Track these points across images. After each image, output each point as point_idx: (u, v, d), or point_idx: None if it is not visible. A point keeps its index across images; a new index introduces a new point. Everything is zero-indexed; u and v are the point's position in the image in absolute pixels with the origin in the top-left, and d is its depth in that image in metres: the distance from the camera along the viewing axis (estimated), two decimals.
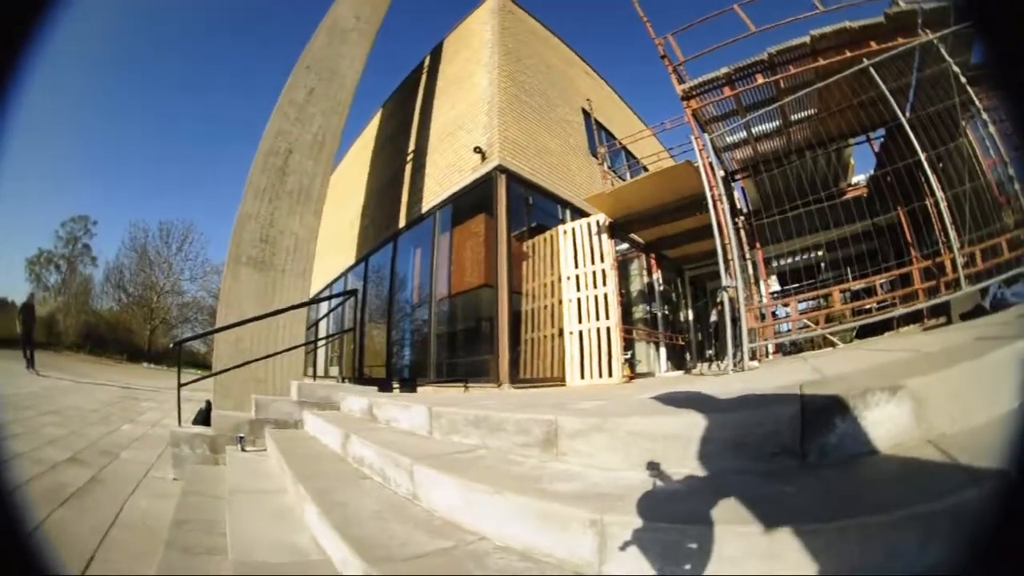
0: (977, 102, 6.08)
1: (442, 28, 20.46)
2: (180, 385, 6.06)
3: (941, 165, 6.85)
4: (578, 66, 14.46)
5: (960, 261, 5.33)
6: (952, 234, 5.60)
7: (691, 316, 13.79)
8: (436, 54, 13.80)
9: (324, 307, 13.20)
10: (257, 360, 6.92)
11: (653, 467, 2.26)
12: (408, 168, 12.52)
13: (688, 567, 1.59)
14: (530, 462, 2.73)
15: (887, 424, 2.13)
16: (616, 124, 14.72)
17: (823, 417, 2.14)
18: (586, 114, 13.24)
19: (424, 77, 13.87)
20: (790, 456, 2.14)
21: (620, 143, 13.67)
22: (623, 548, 1.70)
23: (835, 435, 2.13)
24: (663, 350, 11.35)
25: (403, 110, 14.33)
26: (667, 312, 12.23)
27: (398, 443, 3.42)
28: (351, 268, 14.69)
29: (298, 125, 9.17)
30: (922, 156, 6.01)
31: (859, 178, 10.88)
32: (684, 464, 2.23)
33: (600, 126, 13.54)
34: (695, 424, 2.28)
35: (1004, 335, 2.48)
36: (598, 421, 2.58)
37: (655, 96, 66.59)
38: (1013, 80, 0.81)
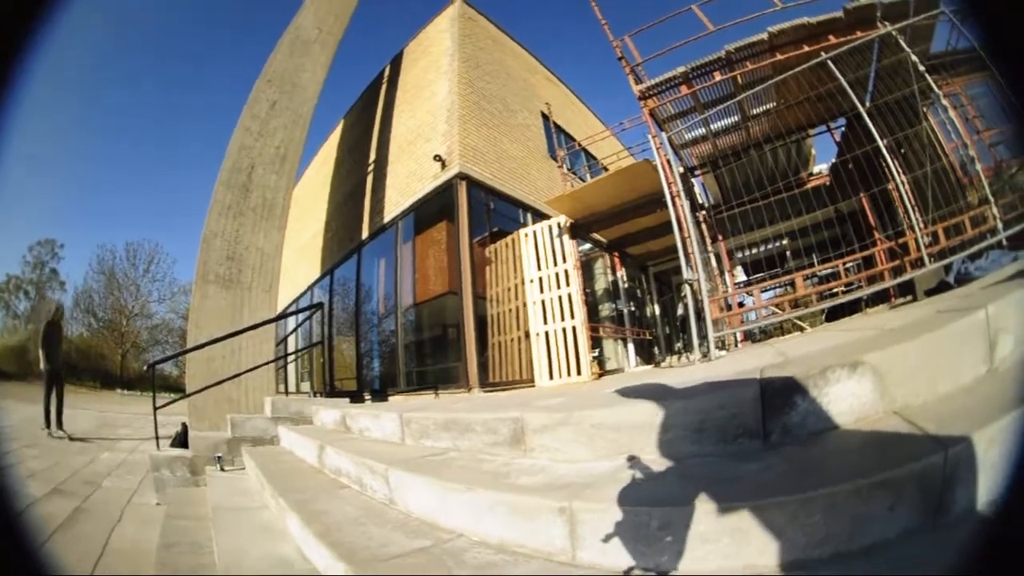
0: (936, 89, 6.39)
1: (402, 37, 20.62)
2: (156, 408, 6.07)
3: (903, 151, 7.22)
4: (538, 71, 14.63)
5: (924, 240, 5.55)
6: (914, 215, 5.87)
7: (657, 311, 14.07)
8: (396, 63, 13.83)
9: (292, 322, 13.17)
10: (227, 379, 6.92)
11: (618, 456, 2.40)
12: (369, 179, 12.53)
13: (657, 546, 1.71)
14: (500, 459, 2.87)
15: (849, 399, 2.23)
16: (575, 126, 14.94)
17: (783, 397, 2.26)
18: (545, 118, 13.41)
19: (384, 87, 13.89)
20: (752, 437, 2.26)
21: (579, 145, 13.88)
22: (593, 533, 1.83)
23: (797, 414, 2.24)
24: (631, 346, 11.56)
25: (363, 121, 14.33)
26: (633, 309, 12.44)
27: (372, 451, 3.53)
28: (317, 281, 14.62)
29: (261, 139, 9.17)
30: (881, 144, 6.17)
31: (821, 167, 11.19)
32: (648, 451, 2.37)
33: (559, 129, 13.75)
34: (657, 412, 2.42)
35: (965, 307, 2.64)
36: (563, 416, 2.71)
37: (616, 96, 67.29)
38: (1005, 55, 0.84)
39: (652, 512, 1.75)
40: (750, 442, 2.25)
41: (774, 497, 1.65)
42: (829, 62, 6.40)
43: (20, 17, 0.94)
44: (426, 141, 10.58)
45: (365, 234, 11.98)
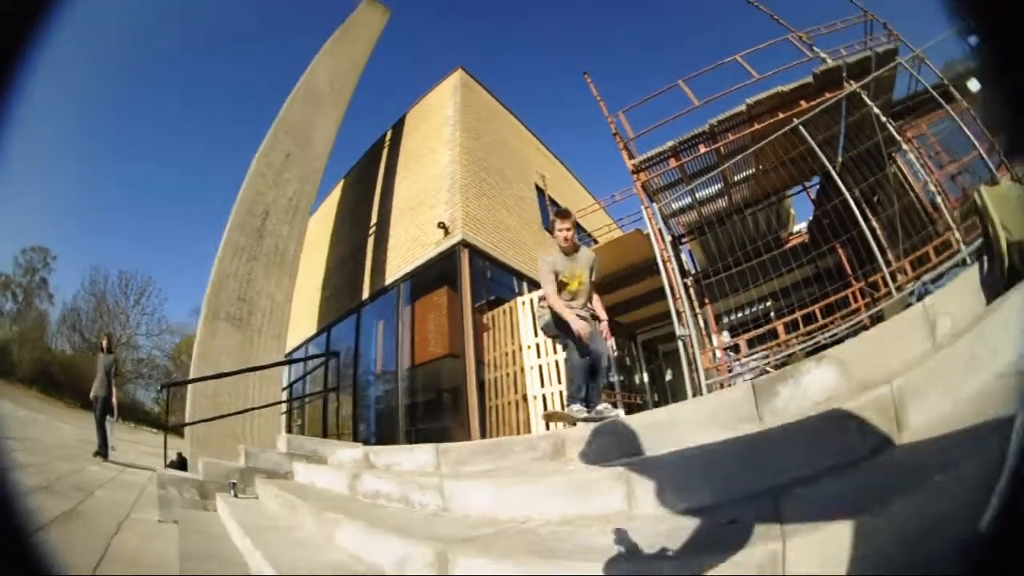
0: (898, 136, 7.26)
1: (404, 103, 21.63)
2: (167, 428, 6.21)
3: (876, 197, 8.14)
4: (532, 143, 15.49)
5: (892, 277, 6.50)
6: (887, 256, 6.92)
7: (646, 378, 14.41)
8: (398, 128, 14.55)
9: (295, 370, 13.20)
10: (237, 413, 7.11)
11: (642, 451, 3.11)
12: (371, 241, 12.94)
13: (694, 494, 2.30)
14: (547, 466, 3.32)
15: (819, 384, 2.88)
16: (567, 199, 15.44)
17: (769, 388, 2.99)
18: (539, 190, 14.06)
19: (386, 151, 14.55)
20: (750, 421, 2.94)
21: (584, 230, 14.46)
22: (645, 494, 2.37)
23: (781, 399, 2.94)
24: (621, 409, 11.80)
25: (364, 183, 14.86)
26: (622, 378, 12.75)
27: (412, 477, 3.76)
28: (312, 338, 14.71)
29: (275, 188, 9.60)
30: (848, 197, 7.04)
31: (800, 226, 11.92)
32: (667, 445, 2.98)
33: (553, 201, 14.34)
34: (672, 417, 3.21)
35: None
36: (591, 434, 3.30)
37: (603, 168, 69.41)
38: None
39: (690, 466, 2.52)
40: (747, 425, 2.91)
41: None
42: (800, 127, 7.25)
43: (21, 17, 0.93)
44: (429, 208, 11.08)
45: (365, 295, 12.28)
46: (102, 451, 8.11)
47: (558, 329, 4.42)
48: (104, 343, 9.43)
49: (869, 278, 7.42)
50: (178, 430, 8.17)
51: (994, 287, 3.27)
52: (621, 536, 1.96)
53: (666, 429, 3.14)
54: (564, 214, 4.39)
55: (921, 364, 2.53)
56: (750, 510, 1.95)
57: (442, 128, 12.23)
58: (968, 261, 4.64)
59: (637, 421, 3.40)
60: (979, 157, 6.54)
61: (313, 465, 5.50)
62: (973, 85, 7.06)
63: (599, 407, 4.53)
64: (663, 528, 2.05)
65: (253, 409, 7.29)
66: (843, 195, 7.05)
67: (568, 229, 4.35)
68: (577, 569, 1.80)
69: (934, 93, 6.86)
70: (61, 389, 32.70)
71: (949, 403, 2.25)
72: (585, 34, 71.48)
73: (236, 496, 5.30)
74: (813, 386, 2.89)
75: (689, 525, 1.99)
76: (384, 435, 10.91)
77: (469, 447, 3.96)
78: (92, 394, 8.86)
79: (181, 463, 6.75)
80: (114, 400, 8.74)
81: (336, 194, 16.92)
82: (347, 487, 4.32)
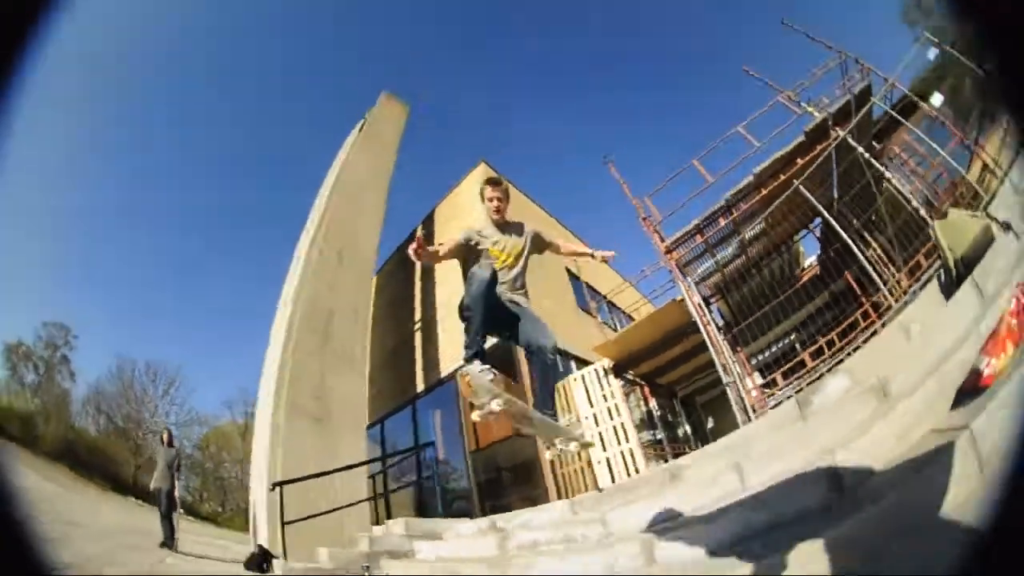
0: (880, 166, 8.82)
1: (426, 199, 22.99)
2: (284, 523, 6.70)
3: (873, 218, 9.47)
4: (557, 229, 16.39)
5: (890, 295, 8.19)
6: (880, 281, 8.50)
7: (689, 430, 14.90)
8: (428, 223, 15.59)
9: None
10: (341, 508, 7.56)
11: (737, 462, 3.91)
12: (418, 336, 13.61)
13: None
14: (668, 489, 4.21)
15: (836, 388, 4.26)
16: (599, 279, 16.25)
17: (806, 398, 4.32)
18: (571, 274, 14.82)
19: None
20: (797, 421, 4.20)
21: (606, 298, 15.39)
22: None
23: (815, 403, 4.23)
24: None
25: (399, 278, 15.65)
26: (667, 434, 13.27)
27: (562, 525, 4.36)
28: (368, 427, 15.09)
29: (333, 291, 10.33)
30: (846, 237, 8.79)
31: (810, 260, 12.79)
32: (751, 452, 4.13)
33: (588, 285, 15.10)
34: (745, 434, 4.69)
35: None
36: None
37: (620, 244, 70.34)
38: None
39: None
40: (795, 423, 4.17)
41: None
42: (800, 188, 8.67)
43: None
44: None
45: (420, 387, 12.86)
46: (169, 542, 8.48)
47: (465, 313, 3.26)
48: (165, 437, 10.01)
49: (872, 297, 8.96)
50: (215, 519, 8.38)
51: (950, 291, 4.60)
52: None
53: (744, 442, 4.44)
54: (494, 181, 3.70)
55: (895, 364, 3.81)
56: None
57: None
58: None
59: (722, 443, 4.72)
60: (947, 158, 8.31)
61: (437, 541, 5.97)
62: (936, 99, 8.69)
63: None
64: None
65: (349, 505, 7.74)
66: (840, 237, 8.69)
67: (500, 199, 3.66)
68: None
69: (906, 123, 9.06)
70: (89, 469, 32.68)
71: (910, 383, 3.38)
72: (585, 112, 73.77)
73: None
74: (833, 391, 4.27)
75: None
76: (459, 514, 11.25)
77: (592, 496, 4.64)
78: (153, 486, 9.33)
79: (264, 555, 7.00)
80: (176, 493, 9.21)
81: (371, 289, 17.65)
82: (497, 547, 4.67)
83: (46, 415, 37.08)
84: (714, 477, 3.82)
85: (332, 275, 10.61)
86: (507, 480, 10.78)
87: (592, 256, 3.84)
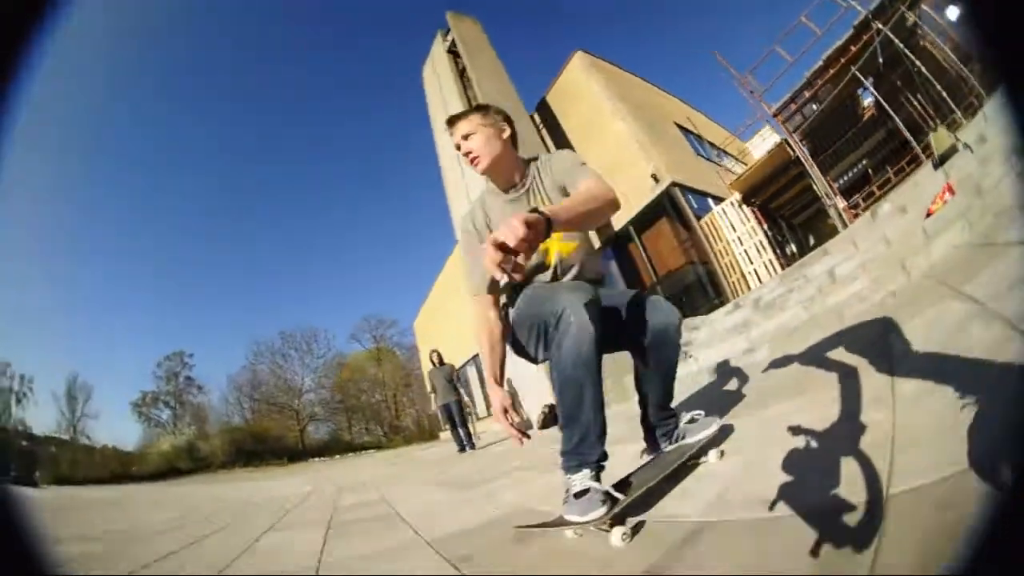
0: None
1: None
2: None
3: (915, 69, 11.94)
4: (658, 93, 19.24)
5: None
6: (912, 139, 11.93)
7: (794, 248, 18.21)
8: (542, 109, 18.76)
9: None
10: None
11: None
12: None
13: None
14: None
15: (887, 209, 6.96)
16: (702, 130, 18.98)
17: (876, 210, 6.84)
18: (681, 128, 17.73)
19: (545, 132, 18.62)
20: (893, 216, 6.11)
21: (714, 144, 18.61)
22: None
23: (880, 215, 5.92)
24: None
25: None
26: (779, 251, 16.88)
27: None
28: None
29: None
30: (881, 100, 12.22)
31: (868, 101, 15.08)
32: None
33: (694, 134, 18.02)
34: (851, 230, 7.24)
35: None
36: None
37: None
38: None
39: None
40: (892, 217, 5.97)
41: None
42: (857, 73, 11.79)
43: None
44: (631, 165, 14.79)
45: (596, 244, 15.77)
46: (469, 445, 9.43)
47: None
48: (435, 358, 10.39)
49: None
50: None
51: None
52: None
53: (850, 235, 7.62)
54: (451, 120, 2.20)
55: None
56: None
57: (600, 103, 16.03)
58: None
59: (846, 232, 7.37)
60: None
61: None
62: (951, 11, 10.17)
63: (685, 424, 2.34)
64: None
65: None
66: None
67: (465, 140, 2.15)
68: None
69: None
70: (261, 455, 35.97)
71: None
72: None
73: None
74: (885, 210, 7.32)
75: None
76: None
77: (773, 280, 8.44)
78: (440, 403, 10.21)
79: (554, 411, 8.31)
80: (464, 398, 10.42)
81: None
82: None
83: (202, 436, 39.80)
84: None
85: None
86: (687, 295, 14.24)
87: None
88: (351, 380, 46.38)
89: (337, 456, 34.99)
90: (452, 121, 2.17)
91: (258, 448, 37.82)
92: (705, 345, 7.88)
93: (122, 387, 70.07)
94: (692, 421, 2.32)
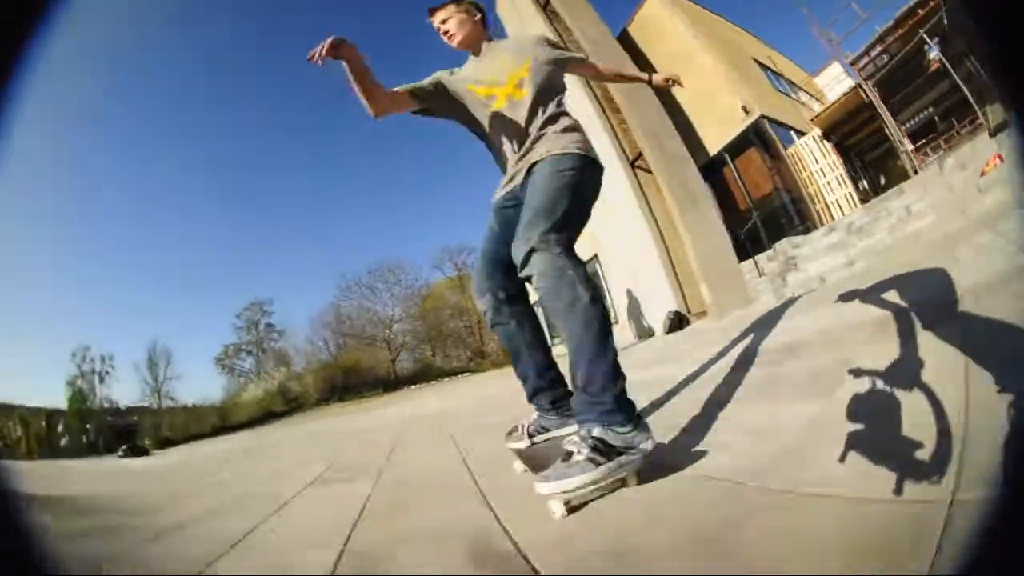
0: None
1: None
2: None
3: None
4: (735, 31, 20.12)
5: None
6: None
7: (866, 184, 19.98)
8: (623, 40, 18.62)
9: None
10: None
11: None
12: None
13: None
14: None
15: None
16: (780, 69, 20.07)
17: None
18: (761, 65, 18.90)
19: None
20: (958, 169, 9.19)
21: (791, 81, 19.81)
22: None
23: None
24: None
25: None
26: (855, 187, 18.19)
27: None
28: None
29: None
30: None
31: (933, 55, 15.96)
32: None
33: (773, 71, 19.23)
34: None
35: None
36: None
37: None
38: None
39: None
40: (956, 173, 8.96)
41: None
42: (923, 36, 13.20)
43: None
44: (719, 97, 15.93)
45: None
46: None
47: None
48: None
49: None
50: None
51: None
52: None
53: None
54: (431, 11, 2.41)
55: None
56: None
57: (684, 38, 16.78)
58: None
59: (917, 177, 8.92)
60: None
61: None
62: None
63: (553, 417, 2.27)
64: None
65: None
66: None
67: (444, 23, 2.41)
68: None
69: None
70: (355, 388, 36.89)
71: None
72: None
73: None
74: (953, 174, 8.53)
75: None
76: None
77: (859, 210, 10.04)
78: None
79: (679, 317, 10.26)
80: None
81: None
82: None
83: (291, 377, 41.01)
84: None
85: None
86: (775, 220, 15.79)
87: (649, 82, 2.83)
88: (435, 309, 47.23)
89: (433, 382, 35.38)
90: (432, 11, 2.41)
91: (351, 382, 39.00)
92: (809, 259, 9.77)
93: (200, 344, 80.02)
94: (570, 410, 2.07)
